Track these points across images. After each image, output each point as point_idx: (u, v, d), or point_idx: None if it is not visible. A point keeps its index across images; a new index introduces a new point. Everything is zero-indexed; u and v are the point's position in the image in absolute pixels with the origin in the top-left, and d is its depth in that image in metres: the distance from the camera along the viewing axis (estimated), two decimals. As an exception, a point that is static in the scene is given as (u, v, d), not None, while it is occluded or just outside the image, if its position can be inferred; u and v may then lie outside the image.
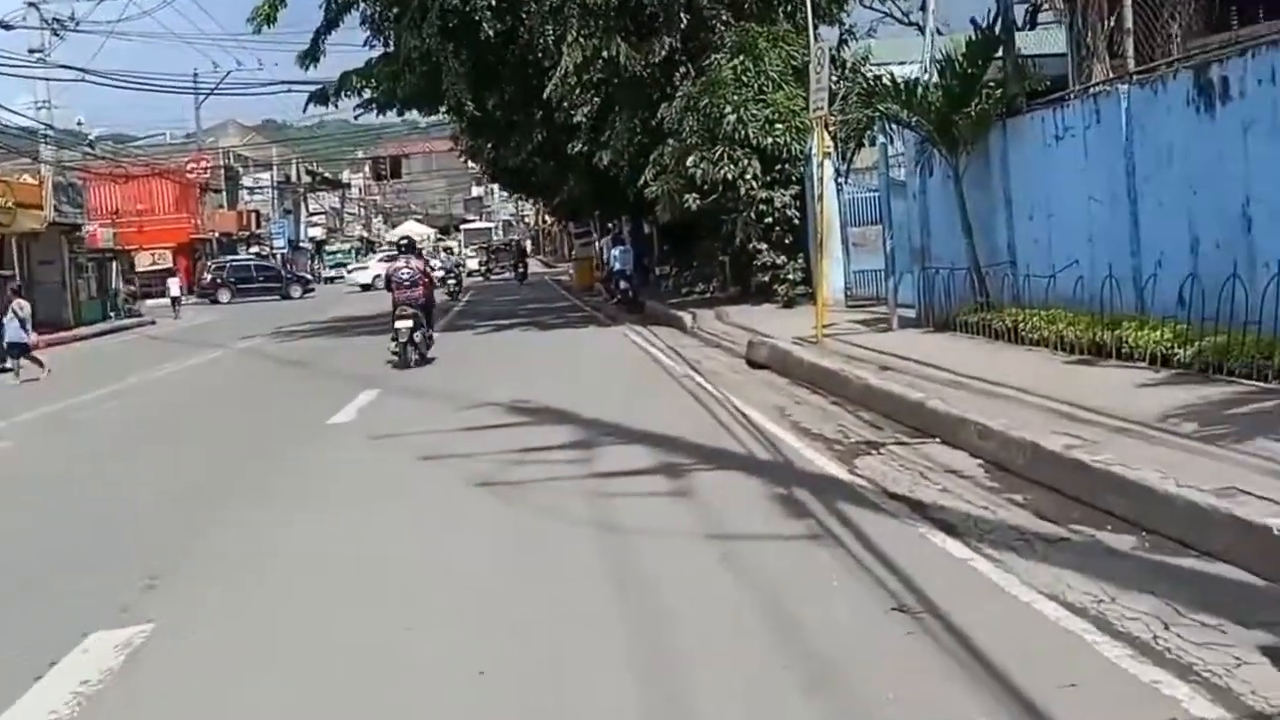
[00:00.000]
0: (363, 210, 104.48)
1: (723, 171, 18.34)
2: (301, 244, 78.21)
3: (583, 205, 34.96)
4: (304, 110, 25.80)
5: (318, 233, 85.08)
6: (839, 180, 17.89)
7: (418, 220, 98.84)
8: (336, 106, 23.61)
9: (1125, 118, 9.49)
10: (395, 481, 7.64)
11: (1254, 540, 4.32)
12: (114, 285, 41.94)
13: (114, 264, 42.17)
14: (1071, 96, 10.82)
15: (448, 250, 57.40)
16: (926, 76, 12.50)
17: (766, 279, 19.54)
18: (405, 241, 17.68)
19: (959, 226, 11.99)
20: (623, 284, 24.80)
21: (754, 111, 18.22)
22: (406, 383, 13.34)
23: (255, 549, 6.10)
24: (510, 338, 20.10)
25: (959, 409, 7.43)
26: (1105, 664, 3.62)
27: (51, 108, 40.99)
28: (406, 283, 15.64)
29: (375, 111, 24.46)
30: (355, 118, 24.49)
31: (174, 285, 42.78)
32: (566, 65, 18.25)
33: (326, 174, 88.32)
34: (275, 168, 78.10)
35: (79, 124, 47.47)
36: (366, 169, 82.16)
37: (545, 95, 19.20)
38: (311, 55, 22.58)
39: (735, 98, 18.20)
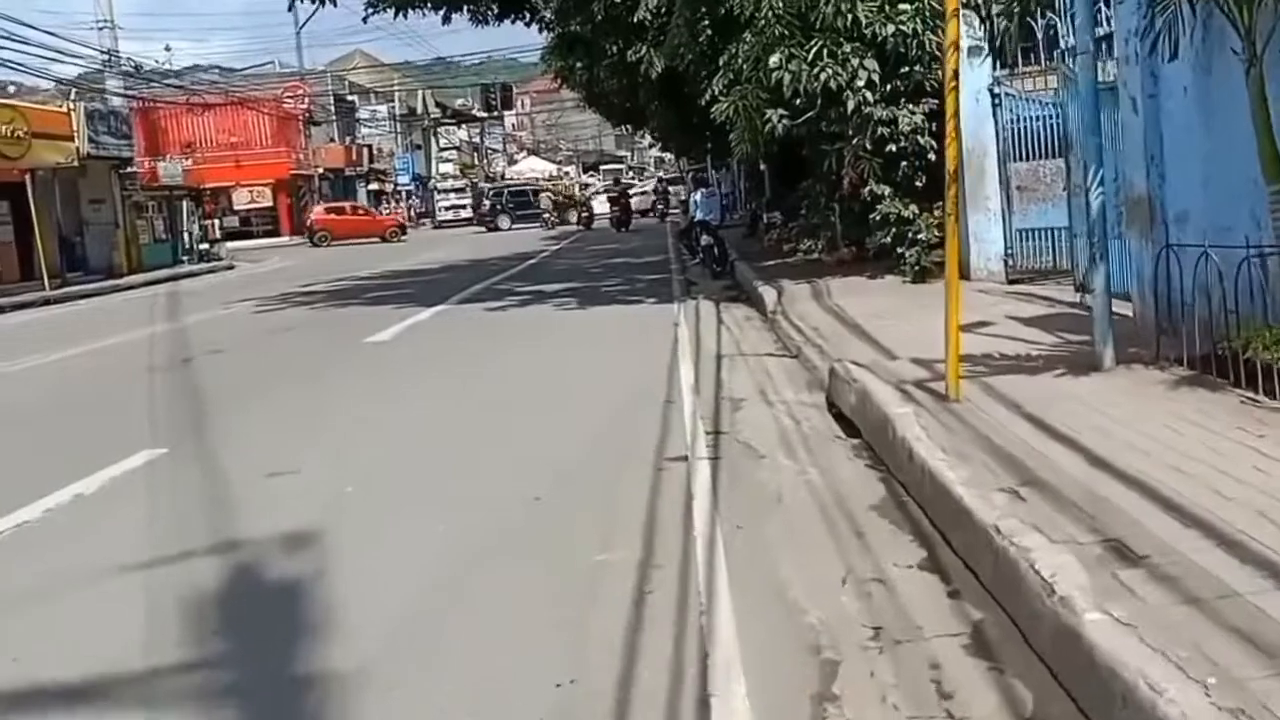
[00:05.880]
0: (508, 145, 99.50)
1: (822, 76, 12.18)
2: (432, 180, 74.27)
3: (672, 135, 28.69)
4: (289, 9, 20.46)
5: (449, 169, 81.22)
6: (994, 89, 11.53)
7: (561, 159, 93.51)
8: (334, 4, 18.11)
9: None
10: None
11: None
12: (186, 226, 38.13)
13: (184, 202, 38.28)
14: None
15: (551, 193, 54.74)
16: None
17: (889, 238, 13.42)
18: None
19: (1246, 162, 5.74)
20: (704, 239, 18.44)
21: (867, -14, 11.94)
22: (208, 441, 7.72)
23: None
24: (526, 318, 14.37)
25: None
26: None
27: (115, 28, 37.28)
28: None
29: (393, 12, 18.95)
30: (364, 20, 18.93)
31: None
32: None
33: (474, 106, 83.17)
34: (398, 99, 74.07)
35: (166, 49, 43.96)
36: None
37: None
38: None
39: (839, -36, 11.95)
